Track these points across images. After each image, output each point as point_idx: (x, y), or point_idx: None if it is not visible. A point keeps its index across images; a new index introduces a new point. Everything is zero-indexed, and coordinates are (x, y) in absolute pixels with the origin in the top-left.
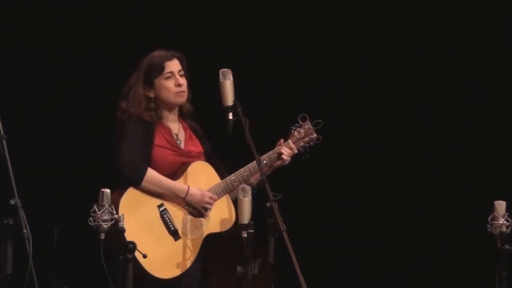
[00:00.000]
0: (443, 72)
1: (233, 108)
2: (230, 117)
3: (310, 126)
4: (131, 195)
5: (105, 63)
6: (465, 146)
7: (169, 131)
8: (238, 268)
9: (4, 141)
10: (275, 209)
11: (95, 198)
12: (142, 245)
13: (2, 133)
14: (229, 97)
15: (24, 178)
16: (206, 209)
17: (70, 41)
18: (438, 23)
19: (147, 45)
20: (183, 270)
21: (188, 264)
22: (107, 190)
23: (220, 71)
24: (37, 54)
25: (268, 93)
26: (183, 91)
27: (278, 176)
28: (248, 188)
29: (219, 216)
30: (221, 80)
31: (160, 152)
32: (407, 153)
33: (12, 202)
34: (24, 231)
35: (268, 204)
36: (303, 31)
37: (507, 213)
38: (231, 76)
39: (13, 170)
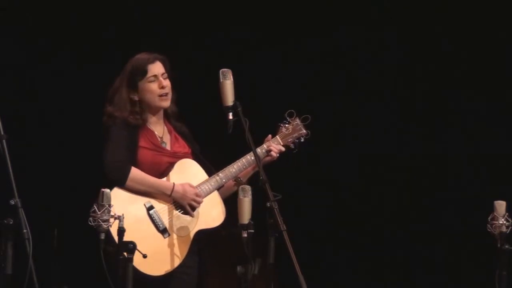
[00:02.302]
0: (442, 70)
1: (233, 108)
2: (230, 117)
3: (299, 122)
4: (115, 195)
5: (105, 63)
6: (465, 146)
7: (153, 134)
8: (238, 268)
9: (4, 141)
10: (275, 209)
11: (95, 198)
12: None
13: (2, 133)
14: (229, 97)
15: (24, 178)
16: (193, 207)
17: (70, 41)
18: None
19: (143, 45)
20: (173, 267)
21: (179, 260)
22: (107, 190)
23: (220, 71)
24: (37, 53)
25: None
26: (166, 93)
27: (278, 176)
28: (248, 188)
29: (209, 213)
30: (221, 80)
31: (146, 153)
32: (406, 153)
33: (12, 202)
34: (24, 231)
35: (268, 204)
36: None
37: (507, 213)
38: (231, 76)
39: (13, 170)
